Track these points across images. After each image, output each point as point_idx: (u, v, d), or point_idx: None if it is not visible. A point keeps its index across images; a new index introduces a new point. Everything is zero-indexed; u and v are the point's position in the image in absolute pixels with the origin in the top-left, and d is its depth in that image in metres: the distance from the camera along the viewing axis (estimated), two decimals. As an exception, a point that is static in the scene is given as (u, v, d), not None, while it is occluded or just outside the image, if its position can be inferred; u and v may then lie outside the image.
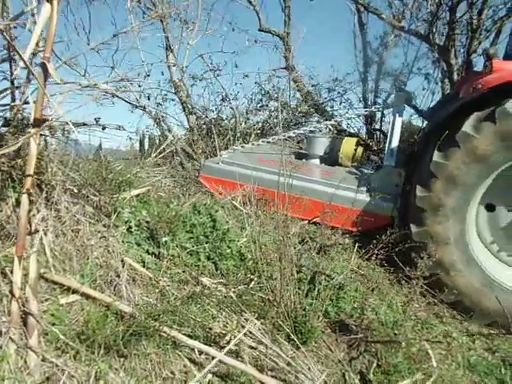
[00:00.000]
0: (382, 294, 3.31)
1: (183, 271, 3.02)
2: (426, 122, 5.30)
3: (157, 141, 6.08)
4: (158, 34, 5.68)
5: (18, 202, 2.45)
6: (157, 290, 2.77)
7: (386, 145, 4.33)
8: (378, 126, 6.95)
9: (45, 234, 2.56)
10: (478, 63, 5.93)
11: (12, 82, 2.67)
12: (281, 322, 2.67)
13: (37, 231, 2.47)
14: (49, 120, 2.28)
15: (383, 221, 3.88)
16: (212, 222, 3.35)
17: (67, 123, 2.49)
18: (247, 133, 5.93)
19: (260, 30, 6.74)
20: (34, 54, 2.34)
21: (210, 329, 2.54)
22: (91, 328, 2.24)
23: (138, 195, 3.40)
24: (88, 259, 2.68)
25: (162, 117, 6.01)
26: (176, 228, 3.13)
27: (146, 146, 6.28)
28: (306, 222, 4.08)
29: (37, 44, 2.24)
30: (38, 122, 2.20)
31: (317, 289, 2.85)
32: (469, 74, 5.25)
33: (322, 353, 2.71)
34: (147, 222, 3.11)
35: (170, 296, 2.73)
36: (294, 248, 3.18)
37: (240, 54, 6.40)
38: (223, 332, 2.52)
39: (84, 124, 2.94)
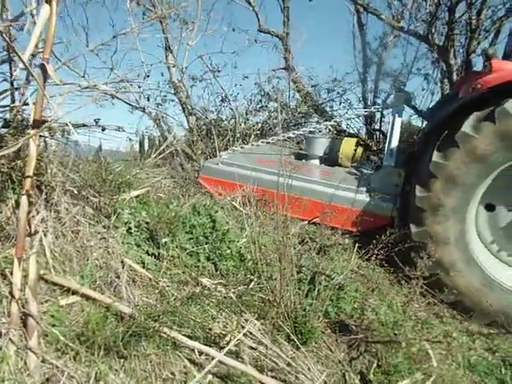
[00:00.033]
0: (382, 294, 3.31)
1: (183, 272, 3.01)
2: (425, 123, 5.31)
3: (156, 142, 6.08)
4: (157, 34, 5.70)
5: (17, 204, 2.44)
6: (157, 291, 2.77)
7: (386, 145, 4.33)
8: (377, 127, 6.95)
9: (44, 235, 2.56)
10: (478, 63, 5.95)
11: (12, 84, 2.67)
12: (281, 323, 2.67)
13: (36, 232, 2.47)
14: (48, 121, 2.28)
15: (383, 221, 3.88)
16: (212, 222, 3.35)
17: (67, 124, 2.49)
18: (247, 133, 5.93)
19: (259, 31, 6.75)
20: (33, 56, 2.34)
21: (210, 329, 2.54)
22: (91, 329, 2.24)
23: (137, 196, 3.40)
24: (88, 260, 2.68)
25: (162, 117, 6.02)
26: (176, 229, 3.13)
27: (146, 147, 6.28)
28: (306, 222, 4.08)
29: (36, 45, 2.24)
30: (38, 124, 2.20)
31: (317, 289, 2.85)
32: (468, 74, 5.26)
33: (322, 353, 2.71)
34: (147, 223, 3.11)
35: (169, 297, 2.73)
36: (294, 248, 3.18)
37: (240, 54, 6.42)
38: (223, 333, 2.52)
39: (84, 125, 2.94)
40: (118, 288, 2.63)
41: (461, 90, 3.65)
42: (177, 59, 6.09)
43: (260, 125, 6.34)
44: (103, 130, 2.98)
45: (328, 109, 7.01)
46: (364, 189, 4.09)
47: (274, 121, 6.25)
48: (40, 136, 2.41)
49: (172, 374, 2.30)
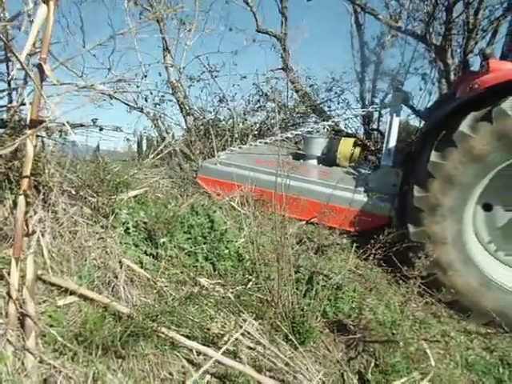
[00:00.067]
0: (379, 293, 3.31)
1: (181, 272, 3.01)
2: (423, 122, 5.31)
3: (154, 142, 6.07)
4: (155, 34, 5.70)
5: (15, 204, 2.44)
6: (155, 291, 2.76)
7: (384, 145, 4.33)
8: (375, 126, 6.96)
9: (42, 235, 2.56)
10: (475, 63, 5.97)
11: (9, 84, 2.67)
12: (279, 323, 2.67)
13: (34, 232, 2.46)
14: (45, 121, 2.28)
15: (381, 221, 3.88)
16: (210, 222, 3.35)
17: (64, 124, 2.49)
18: (245, 134, 5.93)
19: (257, 31, 6.75)
20: (30, 55, 2.33)
21: (208, 329, 2.53)
22: (89, 329, 2.24)
23: (135, 196, 3.40)
24: (86, 260, 2.67)
25: (160, 117, 6.02)
26: (174, 229, 3.13)
27: (144, 147, 6.28)
28: (304, 222, 4.08)
29: (33, 45, 2.24)
30: (35, 123, 2.20)
31: (315, 289, 2.85)
32: (466, 73, 5.26)
33: (320, 353, 2.71)
34: (145, 223, 3.11)
35: (167, 297, 2.73)
36: (292, 248, 3.18)
37: (238, 54, 6.43)
38: (221, 333, 2.52)
39: (81, 125, 2.94)
40: (116, 288, 2.62)
41: (458, 90, 3.65)
42: (174, 59, 6.10)
43: (258, 125, 6.34)
44: (101, 130, 2.98)
45: (326, 109, 7.03)
46: (362, 189, 4.09)
47: (272, 121, 6.26)
48: (37, 136, 2.40)
49: (170, 373, 2.30)
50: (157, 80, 6.30)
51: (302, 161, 4.81)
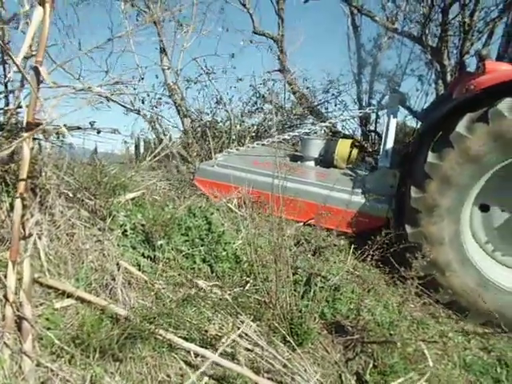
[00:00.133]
0: (377, 294, 3.31)
1: (179, 274, 3.01)
2: (420, 123, 5.33)
3: (152, 144, 6.07)
4: (152, 37, 5.71)
5: (11, 207, 2.44)
6: (152, 293, 2.76)
7: (381, 146, 4.34)
8: (372, 128, 6.98)
9: (39, 238, 2.55)
10: (471, 64, 5.98)
11: (6, 86, 2.67)
12: (277, 324, 2.67)
13: (30, 235, 2.45)
14: (42, 124, 2.28)
15: (378, 222, 3.88)
16: (207, 224, 3.35)
17: (61, 127, 2.48)
18: (242, 135, 5.94)
19: (254, 33, 6.76)
20: (27, 58, 2.33)
21: (206, 331, 2.53)
22: (86, 332, 2.23)
23: (133, 199, 3.40)
24: (83, 263, 2.67)
25: (157, 119, 6.02)
26: (171, 231, 3.12)
27: (142, 150, 6.28)
28: (302, 224, 4.08)
29: (30, 47, 2.24)
30: (31, 126, 2.20)
31: (313, 290, 2.85)
32: (462, 75, 5.28)
33: (318, 354, 2.71)
34: (142, 226, 3.11)
35: (165, 299, 2.73)
36: (290, 250, 3.18)
37: (235, 55, 6.43)
38: (219, 334, 2.52)
39: (78, 128, 2.94)
40: (114, 290, 2.62)
41: (455, 91, 3.66)
42: (172, 61, 6.11)
43: (255, 127, 6.35)
44: (98, 132, 2.99)
45: (323, 110, 7.04)
46: (359, 190, 4.10)
47: (270, 123, 6.26)
48: (34, 139, 2.40)
49: (168, 376, 2.29)
50: (154, 82, 6.32)
51: (299, 162, 4.81)
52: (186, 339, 2.40)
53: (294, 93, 6.95)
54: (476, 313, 3.29)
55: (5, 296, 2.17)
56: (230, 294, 2.92)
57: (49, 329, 2.24)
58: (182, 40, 6.11)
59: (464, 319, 3.30)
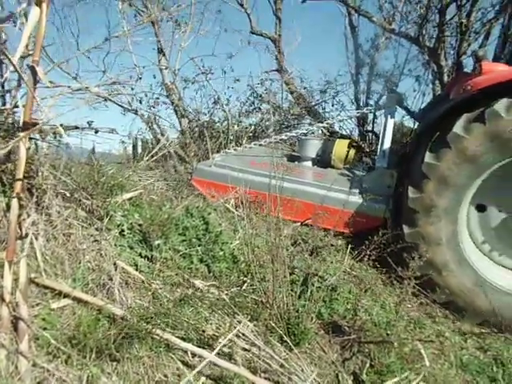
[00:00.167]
0: (374, 294, 3.32)
1: (176, 274, 3.01)
2: (417, 124, 5.33)
3: (149, 144, 6.07)
4: (150, 37, 5.70)
5: (8, 207, 2.43)
6: (149, 293, 2.76)
7: (378, 146, 4.34)
8: (370, 128, 6.98)
9: (35, 238, 2.54)
10: (468, 65, 6.00)
11: (2, 86, 2.66)
12: (274, 324, 2.66)
13: (27, 235, 2.45)
14: (38, 124, 2.27)
15: (375, 222, 3.89)
16: (205, 224, 3.35)
17: (57, 127, 2.48)
18: (239, 135, 5.95)
19: (252, 33, 6.76)
20: (23, 58, 2.33)
21: (203, 331, 2.53)
22: (83, 332, 2.23)
23: (130, 198, 3.40)
24: (80, 263, 2.66)
25: (155, 119, 6.01)
26: (168, 231, 3.12)
27: (139, 150, 6.27)
28: (299, 224, 4.08)
29: (26, 47, 2.23)
30: (28, 126, 2.19)
31: (310, 290, 2.85)
32: (459, 75, 5.29)
33: (315, 354, 2.71)
34: (140, 225, 3.10)
35: (162, 299, 2.72)
36: (287, 250, 3.19)
37: (232, 57, 6.44)
38: (216, 334, 2.52)
39: (76, 127, 2.94)
40: (111, 290, 2.61)
41: (452, 92, 3.67)
42: (169, 61, 6.10)
43: (253, 127, 6.35)
44: (96, 132, 2.98)
45: (321, 110, 7.04)
46: (357, 190, 4.10)
47: (267, 123, 6.27)
48: (30, 138, 2.40)
49: (165, 376, 2.29)
50: (151, 82, 6.32)
51: (296, 162, 4.82)
52: (183, 339, 2.39)
53: (292, 93, 6.95)
54: (473, 313, 3.30)
55: (1, 296, 2.16)
56: (227, 294, 2.91)
57: (45, 329, 2.23)
58: (179, 40, 6.12)
59: (461, 319, 3.31)
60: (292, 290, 2.82)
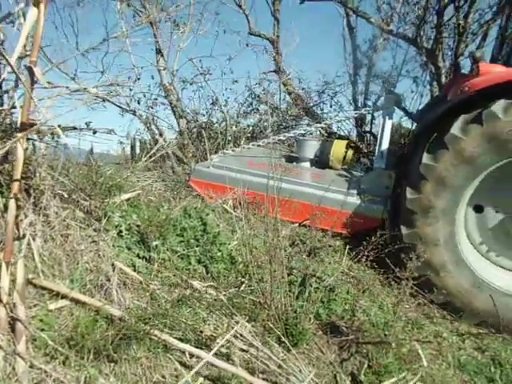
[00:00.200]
0: (372, 295, 3.32)
1: (174, 275, 3.01)
2: (415, 125, 5.35)
3: (147, 145, 6.07)
4: (148, 38, 5.70)
5: (5, 207, 2.42)
6: (147, 294, 2.76)
7: (376, 147, 4.35)
8: (368, 129, 6.98)
9: (33, 239, 2.54)
10: (466, 66, 6.02)
11: (0, 86, 2.66)
12: (272, 325, 2.67)
13: (24, 236, 2.45)
14: (36, 124, 2.27)
15: (373, 223, 3.89)
16: (203, 225, 3.34)
17: (55, 127, 2.48)
18: (238, 136, 5.94)
19: (250, 34, 6.77)
20: (21, 58, 2.32)
21: (201, 332, 2.53)
22: (80, 333, 2.22)
23: (128, 199, 3.39)
24: (78, 264, 2.66)
25: (153, 120, 6.01)
26: (166, 232, 3.12)
27: (137, 150, 6.27)
28: (297, 224, 4.08)
29: (24, 47, 2.23)
30: (25, 127, 2.19)
31: (308, 291, 2.86)
32: (456, 76, 5.30)
33: (313, 355, 2.71)
34: (138, 226, 3.10)
35: (160, 299, 2.72)
36: (285, 251, 3.18)
37: (231, 58, 6.44)
38: (214, 335, 2.52)
39: (74, 128, 2.94)
40: (109, 291, 2.61)
41: (449, 93, 3.68)
42: (167, 62, 6.10)
43: (251, 127, 6.35)
44: (94, 132, 2.98)
45: (319, 111, 7.05)
46: (355, 191, 4.10)
47: (265, 123, 6.27)
48: (28, 139, 2.40)
49: (163, 376, 2.29)
50: (150, 83, 6.31)
51: (294, 163, 4.82)
52: (181, 340, 2.39)
53: (290, 94, 6.96)
54: (470, 313, 3.30)
55: (-2, 297, 2.16)
56: (225, 295, 2.91)
57: (43, 330, 2.23)
58: (178, 40, 6.12)
59: (458, 319, 3.31)
60: (290, 291, 2.82)
